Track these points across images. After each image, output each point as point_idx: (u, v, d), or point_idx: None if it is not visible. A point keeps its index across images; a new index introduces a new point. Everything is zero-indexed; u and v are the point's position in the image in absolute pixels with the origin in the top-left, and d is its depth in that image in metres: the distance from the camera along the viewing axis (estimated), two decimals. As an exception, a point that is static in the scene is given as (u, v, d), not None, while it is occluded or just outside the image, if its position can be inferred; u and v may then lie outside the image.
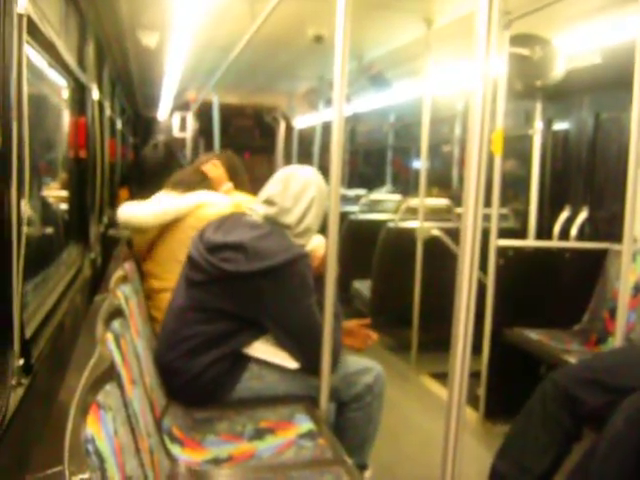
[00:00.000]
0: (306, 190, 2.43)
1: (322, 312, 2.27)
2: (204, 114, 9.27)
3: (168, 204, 2.86)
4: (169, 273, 2.79)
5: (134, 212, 2.87)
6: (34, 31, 2.13)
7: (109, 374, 1.42)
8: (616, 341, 2.93)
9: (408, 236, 4.57)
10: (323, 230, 2.31)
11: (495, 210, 3.46)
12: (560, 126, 4.92)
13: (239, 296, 2.30)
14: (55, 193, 3.63)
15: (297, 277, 2.30)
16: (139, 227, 2.86)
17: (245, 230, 2.37)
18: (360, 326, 2.75)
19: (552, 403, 2.60)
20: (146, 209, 2.86)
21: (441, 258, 4.19)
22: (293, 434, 2.21)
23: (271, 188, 2.46)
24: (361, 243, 5.40)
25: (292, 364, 2.39)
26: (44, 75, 3.07)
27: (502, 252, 3.58)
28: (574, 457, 2.57)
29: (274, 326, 2.34)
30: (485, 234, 2.28)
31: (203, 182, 3.07)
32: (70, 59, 3.10)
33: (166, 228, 2.84)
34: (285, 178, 2.46)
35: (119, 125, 7.65)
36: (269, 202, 2.43)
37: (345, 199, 7.41)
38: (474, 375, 3.49)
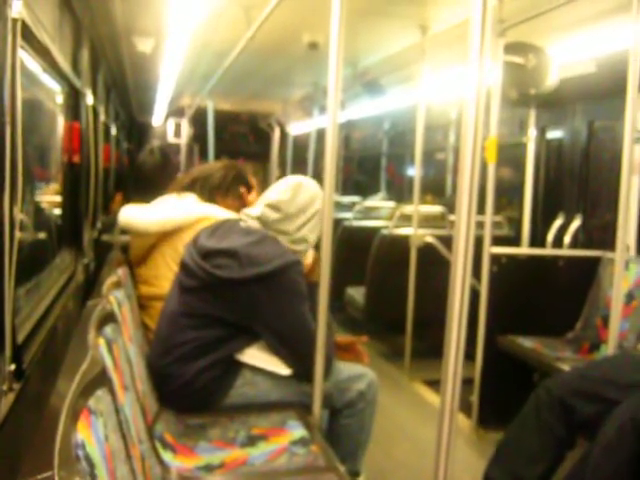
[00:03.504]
0: (313, 203, 2.44)
1: (315, 319, 2.27)
2: (199, 120, 9.27)
3: (172, 212, 2.84)
4: (161, 280, 2.78)
5: (137, 216, 2.85)
6: (28, 35, 2.13)
7: (100, 379, 1.41)
8: (609, 349, 2.94)
9: (402, 243, 4.58)
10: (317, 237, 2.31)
11: (489, 217, 3.46)
12: (554, 134, 4.94)
13: (232, 302, 2.30)
14: (48, 198, 3.62)
15: (290, 283, 2.30)
16: (140, 232, 2.85)
17: (238, 236, 2.37)
18: (355, 343, 2.74)
19: (546, 411, 2.60)
20: (149, 214, 2.84)
21: (435, 265, 4.19)
22: (285, 441, 2.20)
23: (279, 195, 2.44)
24: (355, 250, 5.40)
25: (284, 370, 2.38)
26: (38, 80, 3.06)
27: (495, 259, 3.59)
28: (567, 465, 2.57)
29: (267, 333, 2.34)
30: (479, 241, 2.28)
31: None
32: (64, 64, 3.10)
33: (166, 236, 2.83)
34: (295, 187, 2.45)
35: (113, 130, 7.65)
36: (274, 207, 2.42)
37: (339, 206, 7.41)
38: (467, 382, 3.49)
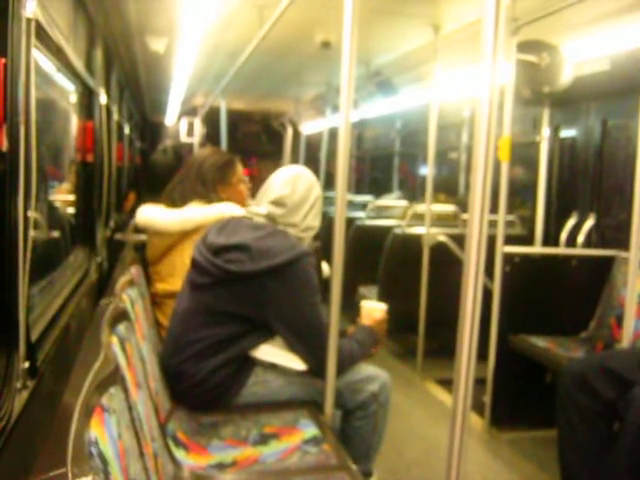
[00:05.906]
0: (312, 191, 2.52)
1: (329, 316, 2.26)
2: (211, 119, 9.28)
3: (192, 212, 2.88)
4: (177, 278, 2.79)
5: (157, 216, 2.90)
6: (43, 35, 2.14)
7: (113, 377, 1.42)
8: (623, 349, 2.92)
9: (414, 242, 4.57)
10: (330, 235, 2.30)
11: (502, 216, 3.45)
12: (567, 133, 4.92)
13: (245, 297, 2.30)
14: (62, 196, 3.64)
15: (302, 274, 2.31)
16: (160, 231, 2.88)
17: (248, 231, 2.38)
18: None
19: (579, 394, 2.60)
20: (170, 214, 2.88)
21: (447, 264, 4.18)
22: (298, 439, 2.20)
23: (279, 190, 2.48)
24: (367, 249, 5.40)
25: (299, 365, 2.38)
26: (52, 79, 3.07)
27: (508, 258, 3.58)
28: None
29: (280, 325, 2.33)
30: (491, 240, 2.27)
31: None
32: (78, 64, 3.11)
33: (185, 235, 2.86)
34: (293, 180, 2.50)
35: (127, 130, 7.66)
36: (278, 203, 2.45)
37: (352, 205, 7.41)
38: (480, 382, 3.47)
